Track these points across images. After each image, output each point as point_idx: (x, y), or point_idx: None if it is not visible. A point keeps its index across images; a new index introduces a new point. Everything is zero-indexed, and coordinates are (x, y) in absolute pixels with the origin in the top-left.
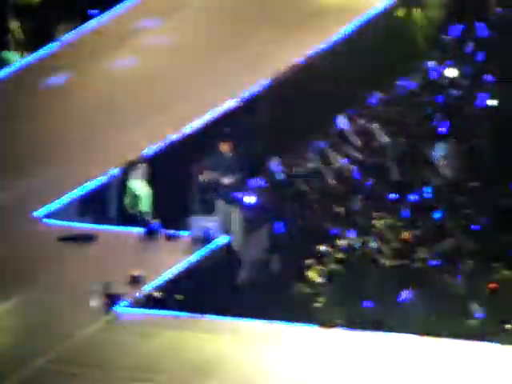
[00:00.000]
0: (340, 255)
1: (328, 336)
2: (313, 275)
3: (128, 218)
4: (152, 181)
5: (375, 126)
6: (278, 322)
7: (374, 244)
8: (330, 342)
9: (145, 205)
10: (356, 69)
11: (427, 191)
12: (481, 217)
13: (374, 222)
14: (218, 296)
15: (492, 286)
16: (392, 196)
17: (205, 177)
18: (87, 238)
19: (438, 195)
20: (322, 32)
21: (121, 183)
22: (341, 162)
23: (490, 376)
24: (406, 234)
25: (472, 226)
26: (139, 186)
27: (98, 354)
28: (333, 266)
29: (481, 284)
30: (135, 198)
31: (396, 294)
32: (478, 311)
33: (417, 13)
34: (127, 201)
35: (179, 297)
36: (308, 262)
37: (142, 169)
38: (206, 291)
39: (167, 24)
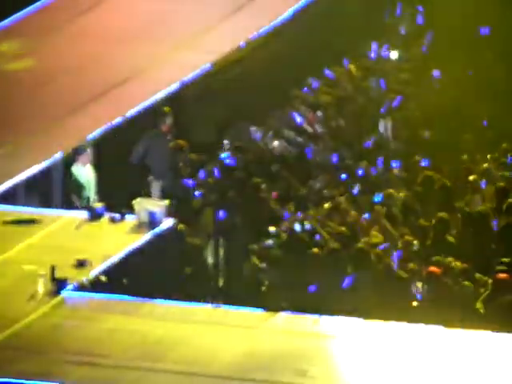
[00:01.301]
0: (282, 239)
1: (273, 319)
2: (256, 260)
3: (72, 202)
4: (98, 164)
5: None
6: (224, 306)
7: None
8: (276, 324)
9: (88, 190)
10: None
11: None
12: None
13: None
14: (164, 280)
15: (432, 269)
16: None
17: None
18: (31, 222)
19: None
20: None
21: (65, 168)
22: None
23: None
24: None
25: None
26: (83, 172)
27: (43, 339)
28: (277, 251)
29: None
30: (78, 183)
31: (341, 278)
32: (420, 292)
33: None
34: (71, 186)
35: (125, 281)
36: (253, 246)
37: (86, 154)
38: (153, 275)
39: None
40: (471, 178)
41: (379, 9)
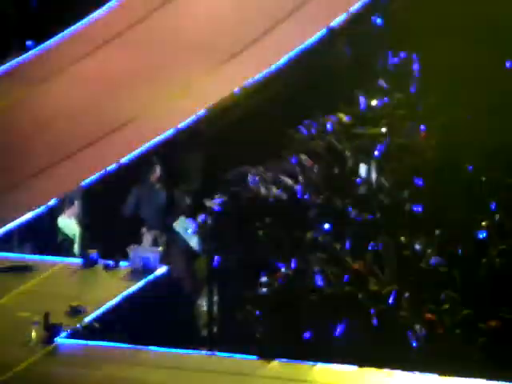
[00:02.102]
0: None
1: (267, 367)
2: (250, 308)
3: (66, 249)
4: (91, 213)
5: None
6: (221, 353)
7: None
8: (269, 372)
9: (73, 242)
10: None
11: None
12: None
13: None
14: (158, 327)
15: (428, 316)
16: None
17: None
18: (25, 269)
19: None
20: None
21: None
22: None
23: None
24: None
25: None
26: (68, 224)
27: None
28: (271, 297)
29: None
30: (64, 235)
31: (335, 325)
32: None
33: None
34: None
35: (120, 327)
36: (247, 293)
37: (72, 207)
38: (147, 322)
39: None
40: None
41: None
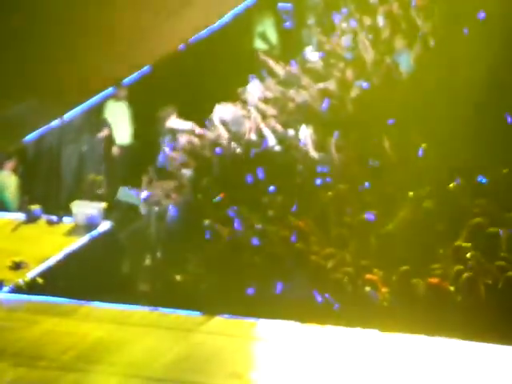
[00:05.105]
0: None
1: (212, 322)
2: (192, 267)
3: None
4: (33, 166)
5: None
6: (161, 308)
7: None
8: (213, 327)
9: (10, 195)
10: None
11: None
12: None
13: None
14: (101, 283)
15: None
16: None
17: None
18: None
19: None
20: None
21: None
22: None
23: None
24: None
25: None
26: (8, 178)
27: None
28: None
29: None
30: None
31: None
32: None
33: None
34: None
35: (62, 283)
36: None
37: (11, 162)
38: (90, 278)
39: None
40: None
41: None
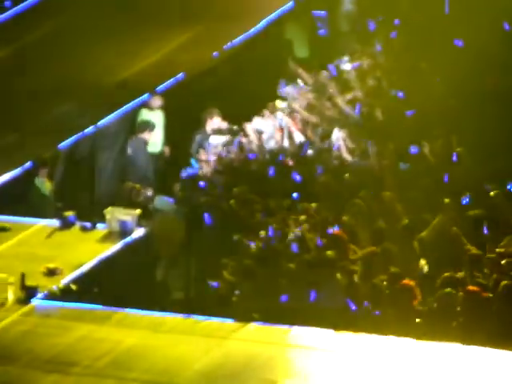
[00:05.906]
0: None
1: (245, 329)
2: (227, 274)
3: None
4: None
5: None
6: (197, 316)
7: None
8: (247, 334)
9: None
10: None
11: None
12: None
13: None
14: (135, 289)
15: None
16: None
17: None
18: (2, 230)
19: None
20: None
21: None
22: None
23: None
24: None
25: None
26: (43, 184)
27: (13, 347)
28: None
29: None
30: (43, 195)
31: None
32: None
33: None
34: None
35: (96, 290)
36: (225, 259)
37: (45, 168)
38: (124, 284)
39: None
40: None
41: None
